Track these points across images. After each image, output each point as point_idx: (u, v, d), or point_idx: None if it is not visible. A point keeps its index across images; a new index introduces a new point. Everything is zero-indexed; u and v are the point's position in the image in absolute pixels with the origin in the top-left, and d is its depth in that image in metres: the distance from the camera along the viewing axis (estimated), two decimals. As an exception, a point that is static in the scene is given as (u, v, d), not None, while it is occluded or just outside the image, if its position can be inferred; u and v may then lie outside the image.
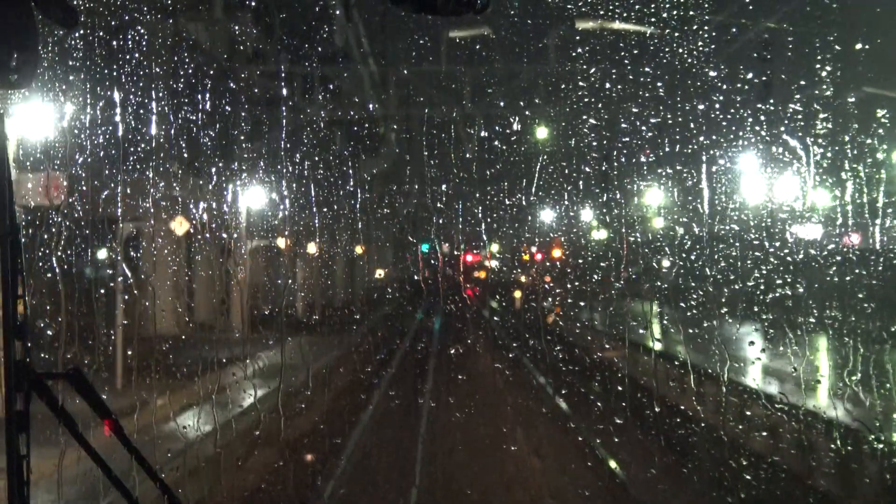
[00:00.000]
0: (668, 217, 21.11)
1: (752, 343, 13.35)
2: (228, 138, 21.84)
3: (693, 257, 16.66)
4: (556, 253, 27.72)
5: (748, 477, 11.71)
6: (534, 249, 30.21)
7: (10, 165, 2.89)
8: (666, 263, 18.21)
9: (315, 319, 26.03)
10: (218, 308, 23.75)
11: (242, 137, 22.87)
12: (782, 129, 15.33)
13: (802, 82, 14.96)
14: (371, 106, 29.62)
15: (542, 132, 23.04)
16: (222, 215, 20.87)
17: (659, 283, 17.31)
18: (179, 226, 20.01)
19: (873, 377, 11.06)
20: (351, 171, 32.25)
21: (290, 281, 27.38)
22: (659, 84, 18.10)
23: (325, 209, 26.12)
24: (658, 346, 16.31)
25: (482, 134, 22.85)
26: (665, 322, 17.31)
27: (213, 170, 20.73)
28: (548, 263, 29.10)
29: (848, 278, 13.57)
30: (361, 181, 35.09)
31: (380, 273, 38.04)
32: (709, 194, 15.83)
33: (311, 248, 28.19)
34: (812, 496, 11.30)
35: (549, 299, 25.51)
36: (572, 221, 24.86)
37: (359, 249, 33.18)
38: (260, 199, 24.60)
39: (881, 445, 10.32)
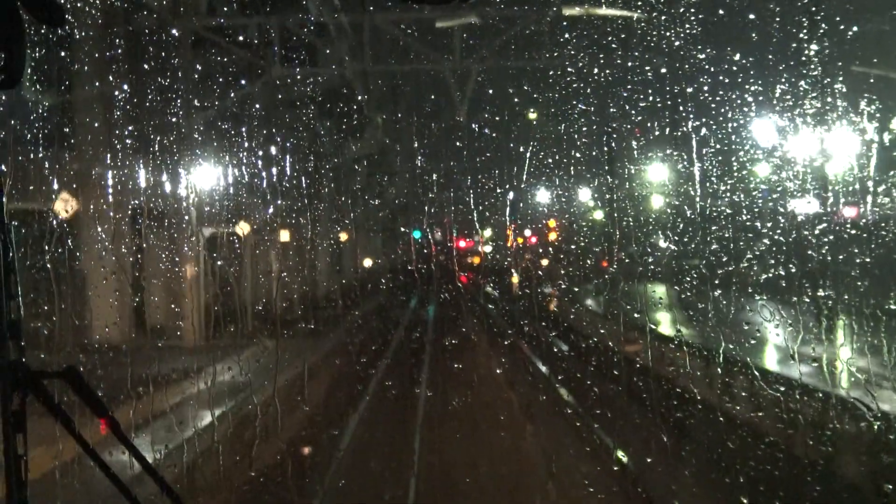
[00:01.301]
0: (660, 199, 21.14)
1: (747, 323, 13.37)
2: (193, 112, 20.62)
3: (686, 239, 16.68)
4: (552, 236, 27.71)
5: (746, 456, 11.74)
6: (528, 233, 30.18)
7: (0, 164, 2.89)
8: (662, 245, 18.24)
9: (297, 315, 23.65)
10: (171, 309, 20.22)
11: (208, 111, 21.49)
12: (770, 109, 15.35)
13: (791, 62, 14.97)
14: (359, 95, 29.36)
15: (533, 115, 23.08)
16: (193, 201, 19.32)
17: (653, 267, 17.33)
18: (64, 206, 15.89)
19: (869, 355, 11.09)
20: (338, 158, 31.94)
21: (269, 272, 25.84)
22: (647, 67, 18.13)
23: (313, 199, 25.68)
24: (653, 328, 16.33)
25: (472, 119, 22.87)
26: (661, 303, 17.34)
27: (166, 148, 18.30)
28: (540, 250, 29.10)
29: (841, 257, 13.60)
30: (349, 167, 34.78)
31: (369, 262, 36.82)
32: (700, 176, 15.85)
33: (287, 236, 26.48)
34: (809, 474, 11.33)
35: (547, 285, 25.47)
36: (565, 205, 24.88)
37: (343, 236, 32.39)
38: (239, 183, 21.58)
39: (879, 423, 10.35)
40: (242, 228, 23.36)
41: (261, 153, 20.98)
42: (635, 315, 16.91)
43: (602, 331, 20.25)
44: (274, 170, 20.72)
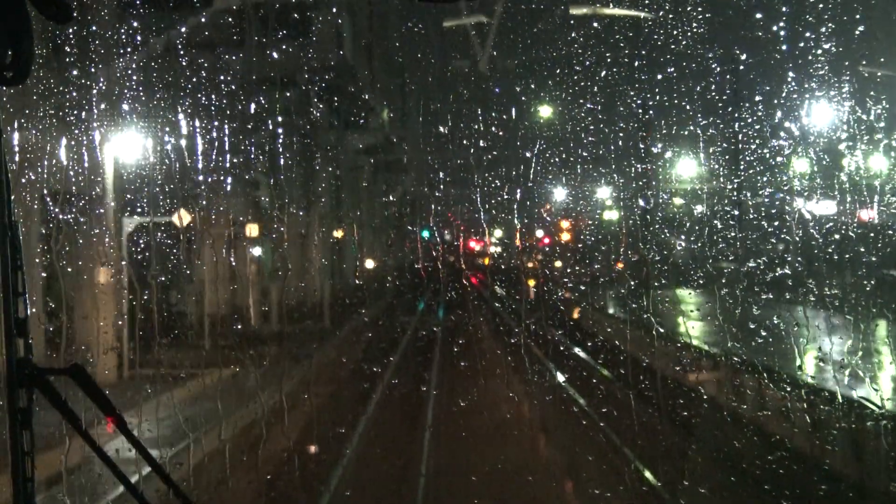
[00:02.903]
0: (669, 200, 21.14)
1: (755, 323, 13.34)
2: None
3: (693, 238, 16.66)
4: (564, 237, 27.54)
5: (752, 455, 11.72)
6: (540, 234, 29.95)
7: (7, 161, 2.89)
8: (679, 245, 18.23)
9: (269, 331, 20.65)
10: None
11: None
12: (778, 109, 15.34)
13: (800, 61, 14.97)
14: (372, 102, 29.07)
15: (544, 115, 23.07)
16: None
17: (660, 266, 17.30)
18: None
19: (879, 353, 11.07)
20: (345, 156, 31.59)
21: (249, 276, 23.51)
22: (655, 67, 18.12)
23: (322, 196, 25.25)
24: (660, 327, 16.27)
25: (481, 119, 22.84)
26: (669, 303, 17.29)
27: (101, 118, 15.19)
28: (547, 250, 28.97)
29: (847, 256, 13.59)
30: (359, 167, 34.48)
31: (372, 263, 34.37)
32: (708, 175, 15.85)
33: (257, 231, 24.31)
34: (817, 474, 11.31)
35: (562, 288, 25.12)
36: (579, 205, 24.86)
37: (338, 233, 31.39)
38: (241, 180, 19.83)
39: (885, 422, 10.34)
40: (183, 217, 18.57)
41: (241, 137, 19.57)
42: (643, 315, 16.83)
43: (608, 329, 20.15)
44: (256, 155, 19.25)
